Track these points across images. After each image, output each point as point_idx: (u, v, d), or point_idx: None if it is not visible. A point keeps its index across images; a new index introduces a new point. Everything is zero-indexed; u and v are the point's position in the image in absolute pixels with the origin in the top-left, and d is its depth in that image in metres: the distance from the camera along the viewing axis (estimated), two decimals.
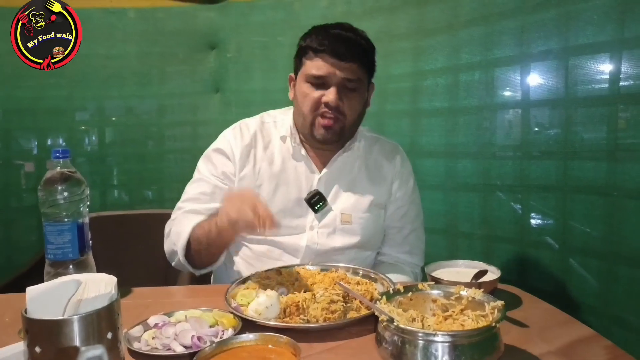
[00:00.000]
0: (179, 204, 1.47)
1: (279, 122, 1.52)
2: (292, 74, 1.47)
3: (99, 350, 0.67)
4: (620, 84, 1.48)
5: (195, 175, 1.50)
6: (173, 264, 1.42)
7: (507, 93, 1.84)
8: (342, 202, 1.47)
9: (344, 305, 1.05)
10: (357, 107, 1.41)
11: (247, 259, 1.47)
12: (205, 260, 1.37)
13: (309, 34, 1.42)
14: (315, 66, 1.36)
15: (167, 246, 1.43)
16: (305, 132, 1.44)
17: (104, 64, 2.52)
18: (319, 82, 1.37)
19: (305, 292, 1.09)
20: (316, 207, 1.42)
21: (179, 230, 1.37)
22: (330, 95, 1.35)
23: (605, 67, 1.53)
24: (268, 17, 2.50)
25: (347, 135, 1.45)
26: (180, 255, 1.34)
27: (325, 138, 1.40)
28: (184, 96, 2.64)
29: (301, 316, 1.03)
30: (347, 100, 1.38)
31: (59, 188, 1.06)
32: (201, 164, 1.51)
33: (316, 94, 1.37)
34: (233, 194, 1.25)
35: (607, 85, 1.52)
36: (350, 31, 1.40)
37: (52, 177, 1.07)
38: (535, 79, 1.74)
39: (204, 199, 1.43)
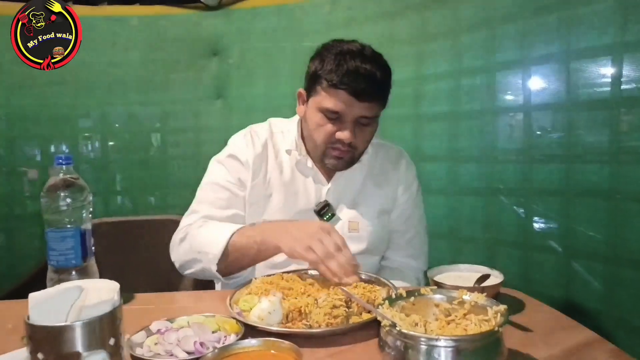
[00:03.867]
0: (194, 207, 1.43)
1: (286, 133, 1.50)
2: (303, 91, 1.42)
3: (100, 355, 0.67)
4: (622, 87, 1.48)
5: (209, 178, 1.46)
6: (188, 272, 1.36)
7: (509, 97, 1.84)
8: (349, 211, 1.47)
9: (347, 310, 1.04)
10: (369, 137, 1.40)
11: (257, 266, 1.46)
12: (240, 268, 1.32)
13: (324, 57, 1.33)
14: (332, 101, 1.30)
15: (183, 254, 1.36)
16: (315, 155, 1.43)
17: (107, 71, 2.54)
18: (334, 117, 1.33)
19: (307, 297, 1.09)
20: (325, 218, 1.43)
21: (208, 238, 1.30)
22: (345, 133, 1.32)
23: (607, 71, 1.53)
24: (270, 24, 2.51)
25: (356, 161, 1.44)
26: (213, 263, 1.27)
27: (337, 167, 1.40)
28: (186, 103, 2.65)
29: (304, 321, 1.03)
30: (360, 134, 1.35)
31: (62, 194, 1.06)
32: (215, 169, 1.47)
33: (329, 127, 1.34)
34: (312, 224, 1.20)
35: (609, 88, 1.52)
36: (370, 62, 1.30)
37: (55, 183, 1.07)
38: (537, 83, 1.74)
39: (221, 204, 1.40)
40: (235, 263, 1.29)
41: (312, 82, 1.37)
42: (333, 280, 1.12)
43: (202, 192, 1.46)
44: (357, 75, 1.28)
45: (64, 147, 2.59)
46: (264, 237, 1.23)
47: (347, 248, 1.14)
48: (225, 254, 1.27)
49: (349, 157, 1.38)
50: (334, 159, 1.37)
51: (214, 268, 1.27)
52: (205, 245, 1.29)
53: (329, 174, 1.48)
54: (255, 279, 1.23)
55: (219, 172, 1.45)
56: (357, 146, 1.37)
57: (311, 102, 1.38)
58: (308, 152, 1.46)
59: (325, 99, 1.32)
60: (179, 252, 1.37)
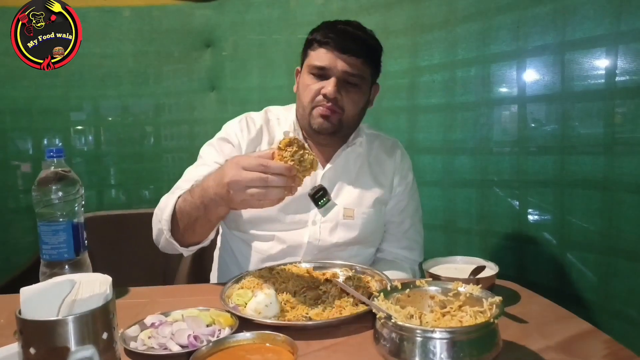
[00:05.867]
0: (175, 185, 1.41)
1: (282, 119, 1.52)
2: (299, 68, 1.48)
3: (89, 351, 0.66)
4: (617, 78, 1.48)
5: (197, 161, 1.47)
6: (160, 246, 1.33)
7: (504, 89, 1.83)
8: (345, 197, 1.47)
9: (346, 303, 1.05)
10: (356, 102, 1.40)
11: (248, 256, 1.46)
12: (192, 237, 1.26)
13: (317, 28, 1.43)
14: (318, 57, 1.37)
15: (154, 226, 1.32)
16: (304, 123, 1.44)
17: (99, 63, 2.52)
18: (321, 74, 1.38)
19: (302, 288, 1.09)
20: (319, 203, 1.42)
21: (163, 205, 1.27)
22: (328, 86, 1.35)
23: (601, 62, 1.53)
24: (264, 15, 2.50)
25: (346, 130, 1.45)
26: (166, 230, 1.23)
27: (322, 128, 1.39)
28: (180, 95, 2.63)
29: (303, 313, 1.03)
30: (346, 94, 1.37)
31: (54, 188, 1.05)
32: (205, 151, 1.47)
33: (316, 85, 1.38)
34: (233, 158, 1.06)
35: (603, 79, 1.52)
36: (359, 29, 1.41)
37: (47, 176, 1.06)
38: (532, 74, 1.74)
39: None
40: (185, 227, 1.22)
41: (304, 52, 1.45)
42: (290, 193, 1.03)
43: (188, 170, 1.45)
44: (343, 32, 1.38)
45: (56, 141, 2.57)
46: (203, 186, 1.15)
47: (267, 161, 1.01)
48: (175, 218, 1.22)
49: (335, 118, 1.39)
50: (320, 117, 1.39)
51: (168, 235, 1.23)
52: (161, 213, 1.26)
53: (325, 158, 1.48)
54: (247, 272, 1.23)
55: (207, 153, 1.46)
56: (344, 108, 1.38)
57: (302, 69, 1.45)
58: (305, 137, 1.46)
59: (313, 58, 1.39)
60: (152, 227, 1.34)
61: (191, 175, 1.41)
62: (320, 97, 1.37)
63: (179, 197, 1.24)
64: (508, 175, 1.82)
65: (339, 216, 1.45)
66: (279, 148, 1.03)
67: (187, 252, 1.31)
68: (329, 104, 1.36)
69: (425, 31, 2.04)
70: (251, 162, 1.01)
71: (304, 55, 1.45)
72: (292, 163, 1.02)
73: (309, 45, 1.43)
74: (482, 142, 1.90)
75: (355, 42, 1.36)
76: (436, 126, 2.05)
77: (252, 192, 1.00)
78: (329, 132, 1.41)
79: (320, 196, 1.42)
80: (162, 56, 2.59)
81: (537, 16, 1.69)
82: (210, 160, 1.42)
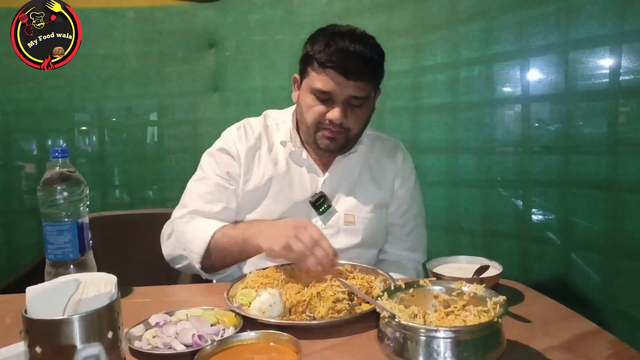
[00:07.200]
0: (184, 200, 1.45)
1: (280, 124, 1.50)
2: (297, 76, 1.43)
3: (96, 348, 0.67)
4: (621, 77, 1.48)
5: (199, 173, 1.48)
6: (177, 267, 1.41)
7: (507, 88, 1.83)
8: (345, 203, 1.46)
9: (350, 303, 1.04)
10: (362, 119, 1.39)
11: (252, 259, 1.46)
12: (224, 267, 1.36)
13: (316, 39, 1.34)
14: (321, 81, 1.31)
15: (171, 249, 1.39)
16: (308, 140, 1.43)
17: (103, 64, 2.52)
18: (324, 97, 1.33)
19: (306, 288, 1.09)
20: (320, 209, 1.42)
21: (192, 235, 1.33)
22: (335, 113, 1.32)
23: (605, 61, 1.52)
24: (267, 15, 2.50)
25: (351, 144, 1.44)
26: (196, 262, 1.31)
27: (329, 148, 1.39)
28: (183, 96, 2.63)
29: (307, 312, 1.03)
30: (351, 115, 1.34)
31: (58, 188, 1.06)
32: (205, 163, 1.47)
33: (320, 108, 1.34)
34: (289, 222, 1.21)
35: (607, 79, 1.51)
36: (360, 42, 1.30)
37: (52, 177, 1.07)
38: (536, 74, 1.74)
39: (209, 198, 1.41)
40: (218, 261, 1.32)
41: (304, 65, 1.38)
42: (312, 275, 1.15)
43: (191, 186, 1.47)
44: (346, 53, 1.28)
45: (60, 141, 2.58)
46: (245, 238, 1.25)
47: (325, 240, 1.14)
48: (208, 252, 1.30)
49: (342, 138, 1.37)
50: (326, 139, 1.37)
51: (197, 266, 1.32)
52: (189, 242, 1.33)
53: (324, 165, 1.48)
54: (250, 272, 1.23)
55: (208, 166, 1.46)
56: (350, 127, 1.36)
57: (303, 85, 1.39)
58: (303, 144, 1.46)
59: (315, 80, 1.32)
60: (167, 246, 1.41)
61: (194, 192, 1.44)
62: (326, 121, 1.34)
63: (215, 232, 1.31)
64: (511, 175, 1.82)
65: (340, 222, 1.45)
66: None
67: (208, 276, 1.39)
68: (336, 129, 1.34)
69: (428, 31, 2.04)
70: (314, 231, 1.14)
71: (304, 70, 1.37)
72: None
73: (309, 61, 1.34)
74: (486, 142, 1.90)
75: (359, 64, 1.28)
76: (439, 126, 2.04)
77: (296, 243, 1.12)
78: (336, 151, 1.42)
79: (320, 203, 1.43)
80: (165, 57, 2.60)
81: (540, 16, 1.69)
82: (211, 173, 1.44)
